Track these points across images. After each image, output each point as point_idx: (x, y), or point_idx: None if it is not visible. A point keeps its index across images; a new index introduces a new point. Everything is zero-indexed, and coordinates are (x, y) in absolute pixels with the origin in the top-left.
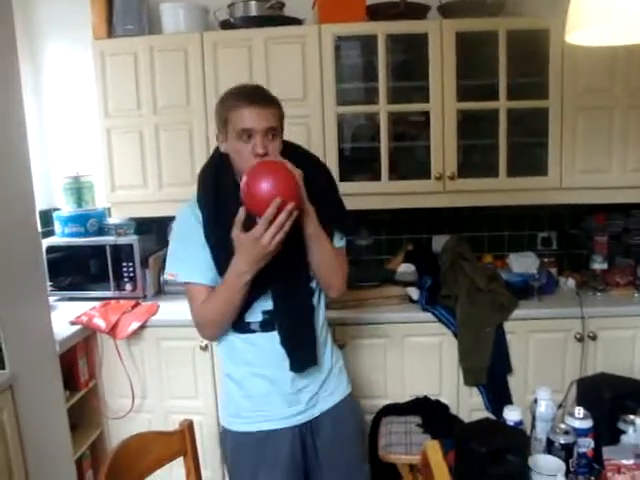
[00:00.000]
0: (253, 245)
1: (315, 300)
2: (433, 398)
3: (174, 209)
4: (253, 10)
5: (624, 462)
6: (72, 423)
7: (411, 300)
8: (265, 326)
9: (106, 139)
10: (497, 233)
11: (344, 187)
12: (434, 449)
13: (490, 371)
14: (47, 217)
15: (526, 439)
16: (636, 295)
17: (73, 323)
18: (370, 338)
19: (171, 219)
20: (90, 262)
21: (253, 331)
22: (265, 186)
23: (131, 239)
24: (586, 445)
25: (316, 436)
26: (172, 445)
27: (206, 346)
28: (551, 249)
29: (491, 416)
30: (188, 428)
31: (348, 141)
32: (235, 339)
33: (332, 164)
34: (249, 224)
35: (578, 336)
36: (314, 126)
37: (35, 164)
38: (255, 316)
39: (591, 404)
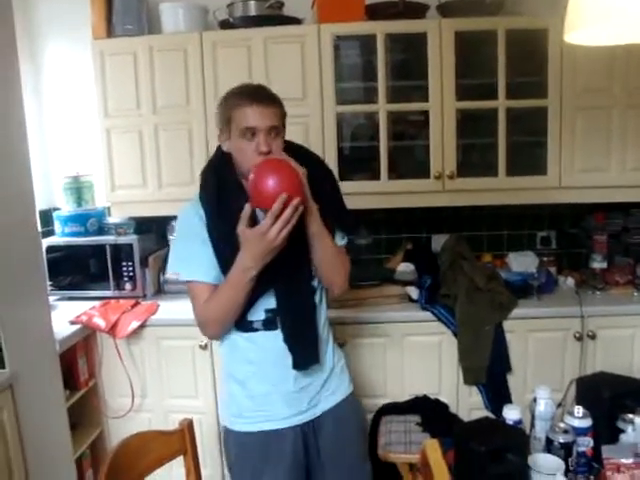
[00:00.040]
0: (259, 240)
1: (317, 298)
2: (433, 397)
3: (174, 209)
4: (252, 10)
5: (623, 461)
6: (72, 422)
7: (410, 299)
8: (268, 325)
9: (106, 139)
10: (496, 232)
11: (343, 186)
12: (433, 448)
13: (489, 370)
14: (47, 217)
15: (525, 438)
16: (635, 294)
17: (73, 322)
18: (370, 337)
19: (171, 219)
20: (90, 262)
21: (256, 330)
22: (271, 182)
23: (131, 239)
24: (585, 444)
25: (318, 435)
26: (172, 444)
27: (206, 345)
28: (550, 248)
29: (490, 415)
30: (188, 427)
31: (347, 140)
32: (238, 338)
33: (331, 163)
34: (252, 222)
35: (577, 335)
36: (313, 125)
37: (35, 164)
38: (258, 315)
39: (590, 403)
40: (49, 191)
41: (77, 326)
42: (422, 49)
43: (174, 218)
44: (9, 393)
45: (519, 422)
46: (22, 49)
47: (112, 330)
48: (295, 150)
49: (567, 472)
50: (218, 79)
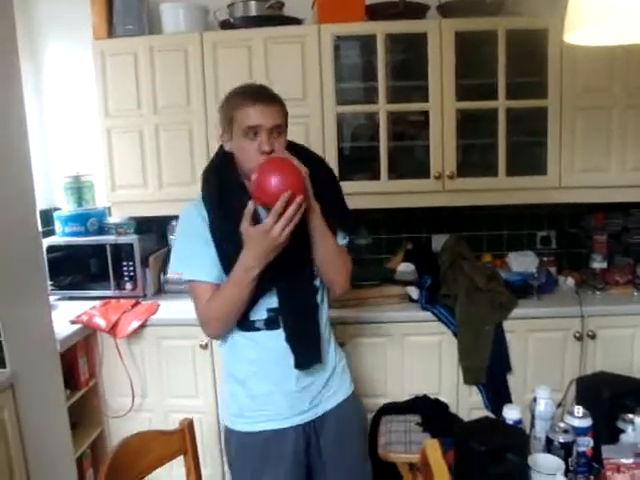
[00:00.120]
0: (263, 238)
1: (319, 298)
2: (433, 397)
3: (174, 209)
4: (253, 10)
5: (623, 461)
6: (72, 422)
7: (411, 299)
8: (270, 324)
9: (106, 139)
10: (496, 232)
11: (344, 186)
12: (433, 448)
13: (489, 370)
14: (47, 216)
15: (525, 438)
16: (635, 294)
17: (73, 322)
18: (370, 337)
19: (171, 219)
20: (90, 261)
21: (258, 329)
22: (275, 180)
23: (131, 238)
24: (585, 444)
25: (319, 435)
26: (172, 444)
27: (206, 345)
28: (550, 248)
29: (490, 415)
30: (188, 427)
31: (347, 140)
32: (239, 338)
33: (331, 163)
34: (254, 221)
35: (577, 335)
36: (314, 126)
37: (36, 163)
38: (260, 314)
39: (590, 403)
40: (49, 191)
41: (77, 326)
42: (422, 49)
43: (174, 218)
44: (10, 393)
45: (519, 422)
46: (23, 49)
47: (112, 330)
48: (297, 150)
49: (567, 472)
50: (219, 79)
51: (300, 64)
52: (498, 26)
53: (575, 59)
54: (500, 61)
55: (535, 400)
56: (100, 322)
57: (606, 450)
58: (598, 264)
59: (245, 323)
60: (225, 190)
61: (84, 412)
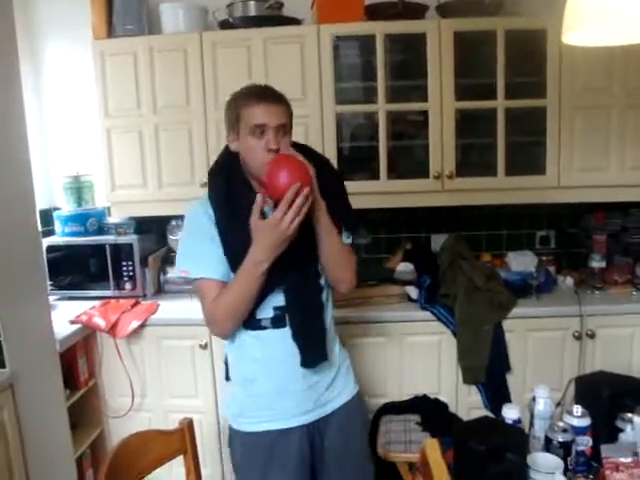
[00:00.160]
0: (272, 230)
1: (324, 297)
2: (432, 396)
3: (174, 209)
4: (252, 10)
5: (622, 460)
6: (72, 422)
7: (410, 299)
8: (276, 322)
9: (106, 139)
10: (495, 232)
11: None
12: (433, 447)
13: (489, 369)
14: (47, 216)
15: (525, 437)
16: (634, 293)
17: (73, 322)
18: (369, 337)
19: (171, 218)
20: (90, 261)
21: (264, 328)
22: (283, 175)
23: (131, 238)
24: (584, 443)
25: (324, 435)
26: (172, 444)
27: (206, 345)
28: (549, 248)
29: (490, 414)
30: (188, 427)
31: (347, 140)
32: (245, 337)
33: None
34: (262, 219)
35: (576, 334)
36: (313, 125)
37: (35, 163)
38: (266, 312)
39: (589, 402)
40: (49, 191)
41: (77, 326)
42: (421, 49)
43: (174, 218)
44: (9, 393)
45: (518, 421)
46: (22, 49)
47: (112, 330)
48: (301, 150)
49: (566, 471)
50: (218, 79)
51: (299, 64)
52: (497, 26)
53: (574, 59)
54: (499, 61)
55: (534, 399)
56: (100, 322)
57: (605, 449)
58: (597, 264)
59: (251, 322)
60: (232, 188)
61: (84, 412)
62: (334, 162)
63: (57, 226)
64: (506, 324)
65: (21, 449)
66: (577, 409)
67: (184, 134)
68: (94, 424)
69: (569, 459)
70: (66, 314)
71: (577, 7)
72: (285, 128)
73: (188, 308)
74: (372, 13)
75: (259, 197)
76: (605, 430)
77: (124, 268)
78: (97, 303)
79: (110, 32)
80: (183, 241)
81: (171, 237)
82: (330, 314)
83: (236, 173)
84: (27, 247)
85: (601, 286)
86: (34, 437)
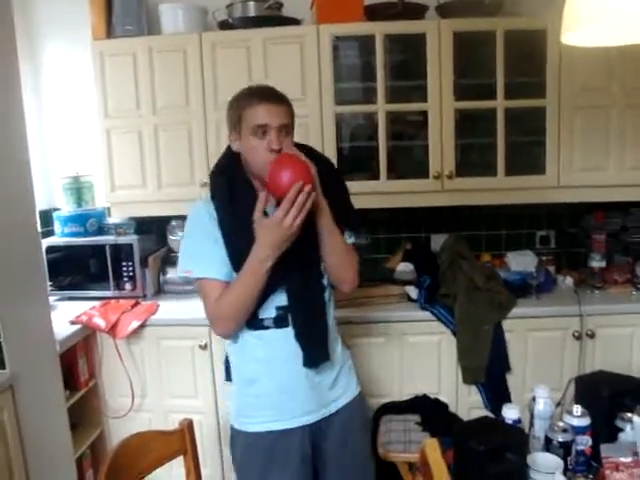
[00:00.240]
0: (275, 228)
1: (326, 296)
2: (432, 396)
3: (173, 209)
4: (251, 10)
5: (622, 460)
6: (72, 422)
7: (410, 299)
8: (279, 322)
9: (106, 139)
10: (495, 232)
11: None
12: (433, 447)
13: (489, 369)
14: (47, 217)
15: (524, 437)
16: (634, 293)
17: (73, 323)
18: (369, 337)
19: (170, 219)
20: (90, 262)
21: (267, 327)
22: (286, 174)
23: (131, 239)
24: (584, 443)
25: (326, 436)
26: (172, 444)
27: (205, 345)
28: (549, 247)
29: (490, 414)
30: (188, 427)
31: (346, 140)
32: (248, 337)
33: None
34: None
35: (576, 334)
36: (313, 126)
37: (35, 164)
38: (269, 312)
39: (589, 402)
40: (49, 191)
41: (77, 326)
42: (421, 50)
43: (174, 218)
44: (9, 393)
45: (518, 421)
46: (22, 49)
47: (112, 330)
48: (303, 150)
49: (566, 471)
50: (217, 80)
51: (299, 64)
52: (497, 26)
53: (573, 59)
54: (498, 61)
55: (534, 399)
56: (100, 322)
57: (605, 449)
58: (597, 263)
59: (254, 322)
60: (234, 188)
61: (84, 412)
62: (334, 162)
63: (57, 227)
64: (506, 324)
65: (21, 449)
66: (577, 409)
67: (184, 134)
68: (94, 424)
69: (569, 459)
70: (66, 314)
71: (576, 7)
72: (287, 128)
73: (188, 308)
74: (372, 13)
75: (262, 194)
76: (605, 430)
77: (124, 268)
78: (97, 303)
79: (109, 32)
80: (186, 241)
81: (171, 237)
82: (332, 314)
83: (238, 173)
84: (27, 248)
85: (601, 286)
86: (34, 437)
